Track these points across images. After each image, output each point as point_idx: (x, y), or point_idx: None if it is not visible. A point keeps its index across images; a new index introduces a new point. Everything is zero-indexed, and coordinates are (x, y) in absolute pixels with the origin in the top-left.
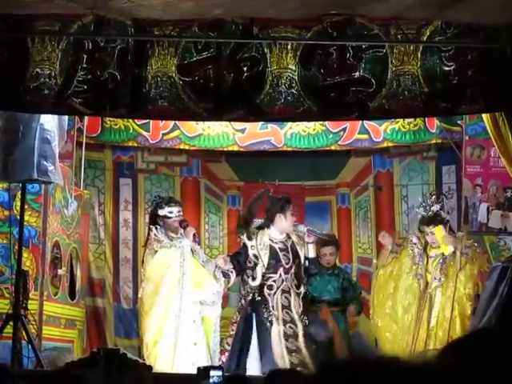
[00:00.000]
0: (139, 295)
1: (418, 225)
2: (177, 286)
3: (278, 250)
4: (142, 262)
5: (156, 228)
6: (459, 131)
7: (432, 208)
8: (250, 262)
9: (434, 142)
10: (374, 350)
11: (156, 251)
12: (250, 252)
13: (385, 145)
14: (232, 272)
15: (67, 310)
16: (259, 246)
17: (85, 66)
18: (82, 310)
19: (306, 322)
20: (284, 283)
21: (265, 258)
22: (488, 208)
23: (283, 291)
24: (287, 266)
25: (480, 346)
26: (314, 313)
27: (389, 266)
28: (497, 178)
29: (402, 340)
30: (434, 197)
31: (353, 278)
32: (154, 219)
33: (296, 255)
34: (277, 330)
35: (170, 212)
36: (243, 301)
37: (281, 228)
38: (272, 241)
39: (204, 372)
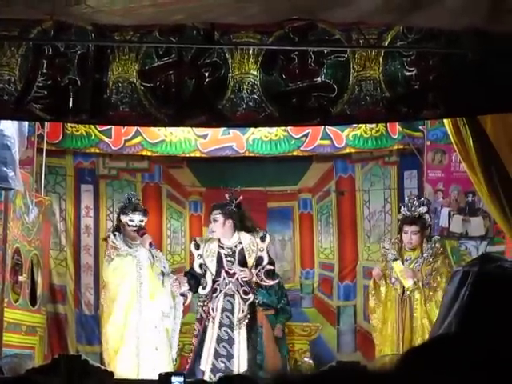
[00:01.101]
0: (101, 301)
1: (398, 224)
2: (135, 295)
3: (223, 256)
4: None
5: (114, 235)
6: (421, 137)
7: (418, 209)
8: (201, 271)
9: (395, 147)
10: (335, 356)
11: (112, 259)
12: (197, 262)
13: (347, 150)
14: (189, 293)
15: (28, 316)
16: (205, 253)
17: (45, 71)
18: (43, 317)
19: (247, 328)
20: (227, 287)
21: (211, 265)
22: (449, 213)
23: (226, 294)
24: (231, 272)
25: (437, 353)
26: None
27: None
28: (458, 183)
29: (380, 343)
30: (422, 199)
31: (314, 282)
32: (117, 225)
33: (243, 261)
34: (211, 333)
35: (131, 220)
36: (202, 311)
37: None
38: (221, 247)
39: (165, 378)
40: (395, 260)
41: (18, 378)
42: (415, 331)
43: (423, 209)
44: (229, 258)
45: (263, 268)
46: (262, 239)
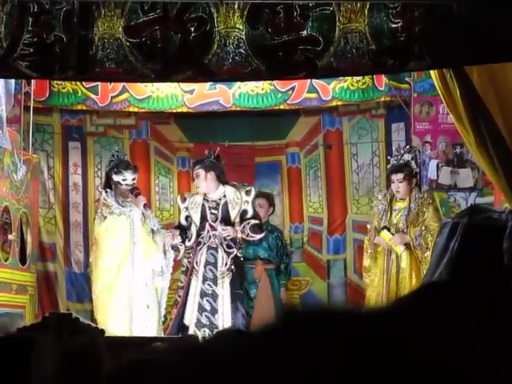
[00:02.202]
0: (90, 259)
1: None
2: (128, 254)
3: (207, 208)
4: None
5: (106, 192)
6: (407, 88)
7: (403, 157)
8: (187, 224)
9: (382, 99)
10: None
11: (105, 217)
12: (183, 215)
13: (334, 103)
14: (181, 245)
15: (18, 275)
16: (190, 205)
17: (30, 28)
18: (33, 275)
19: (230, 282)
20: (211, 240)
21: (196, 217)
22: (438, 165)
23: (209, 247)
24: (214, 224)
25: (433, 297)
26: (249, 270)
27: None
28: (446, 135)
29: (370, 296)
30: (407, 147)
31: (304, 237)
32: (108, 182)
33: (227, 215)
34: (194, 287)
35: (124, 179)
36: (187, 264)
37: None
38: (206, 200)
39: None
40: (383, 229)
41: (8, 336)
42: (401, 282)
43: (408, 156)
44: (213, 211)
45: (248, 223)
46: (248, 193)
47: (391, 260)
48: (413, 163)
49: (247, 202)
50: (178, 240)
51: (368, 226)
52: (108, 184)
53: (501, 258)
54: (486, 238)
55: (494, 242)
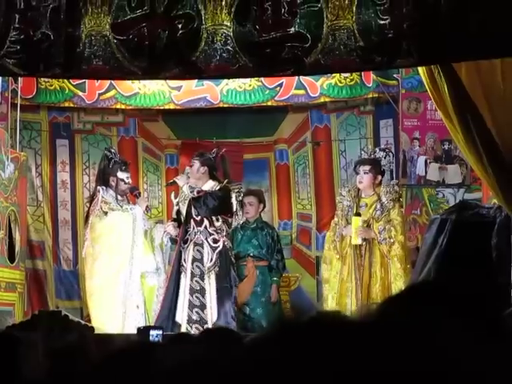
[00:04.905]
0: (83, 255)
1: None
2: (128, 252)
3: (192, 201)
4: (86, 221)
5: (103, 189)
6: (395, 85)
7: (376, 154)
8: (178, 218)
9: (370, 96)
10: (316, 306)
11: (106, 212)
12: (175, 209)
13: (322, 100)
14: (177, 237)
15: (7, 273)
16: (180, 198)
17: (17, 26)
18: (22, 273)
19: (216, 277)
20: (196, 236)
21: (183, 211)
22: (426, 161)
23: (195, 244)
24: (198, 219)
25: (421, 298)
26: (240, 268)
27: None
28: (434, 131)
29: (343, 291)
30: (382, 146)
31: (293, 233)
32: (106, 179)
33: (209, 208)
34: (184, 284)
35: (128, 177)
36: (177, 261)
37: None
38: (192, 193)
39: (143, 331)
40: (356, 215)
41: None
42: (372, 276)
43: (381, 154)
44: (196, 204)
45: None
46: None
47: (362, 255)
48: (384, 161)
49: None
50: (177, 231)
51: (332, 222)
52: (105, 181)
53: (489, 253)
54: (475, 234)
55: (482, 237)
